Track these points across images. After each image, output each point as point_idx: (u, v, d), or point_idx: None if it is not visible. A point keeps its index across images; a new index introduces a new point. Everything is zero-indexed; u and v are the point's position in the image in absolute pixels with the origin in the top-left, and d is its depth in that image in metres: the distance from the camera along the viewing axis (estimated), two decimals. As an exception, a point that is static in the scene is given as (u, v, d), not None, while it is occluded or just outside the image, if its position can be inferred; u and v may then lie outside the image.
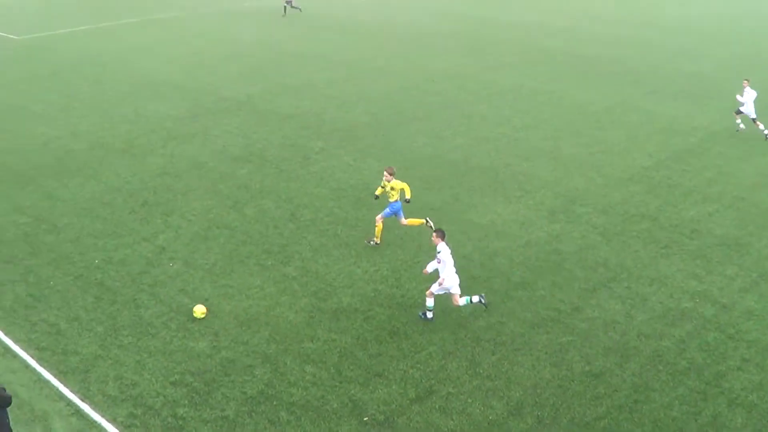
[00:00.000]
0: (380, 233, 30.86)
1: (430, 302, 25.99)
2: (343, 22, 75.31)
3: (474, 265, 29.26)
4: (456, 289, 25.82)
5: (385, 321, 25.95)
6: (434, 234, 25.89)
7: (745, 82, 42.44)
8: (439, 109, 47.75)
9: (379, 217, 30.71)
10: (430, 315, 26.09)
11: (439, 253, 25.46)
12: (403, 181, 30.27)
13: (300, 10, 78.94)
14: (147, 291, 27.64)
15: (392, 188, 30.14)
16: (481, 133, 43.30)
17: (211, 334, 25.21)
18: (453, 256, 25.72)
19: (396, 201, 30.36)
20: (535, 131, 43.64)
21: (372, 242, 30.93)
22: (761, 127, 42.35)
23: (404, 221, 31.14)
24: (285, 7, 78.55)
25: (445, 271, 25.55)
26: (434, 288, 25.85)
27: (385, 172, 30.23)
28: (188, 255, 30.00)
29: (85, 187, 36.36)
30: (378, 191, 30.97)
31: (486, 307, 26.42)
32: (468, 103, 48.87)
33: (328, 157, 39.80)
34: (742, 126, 43.45)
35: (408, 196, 30.31)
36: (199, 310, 26.48)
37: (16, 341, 24.78)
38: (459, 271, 25.92)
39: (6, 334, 25.11)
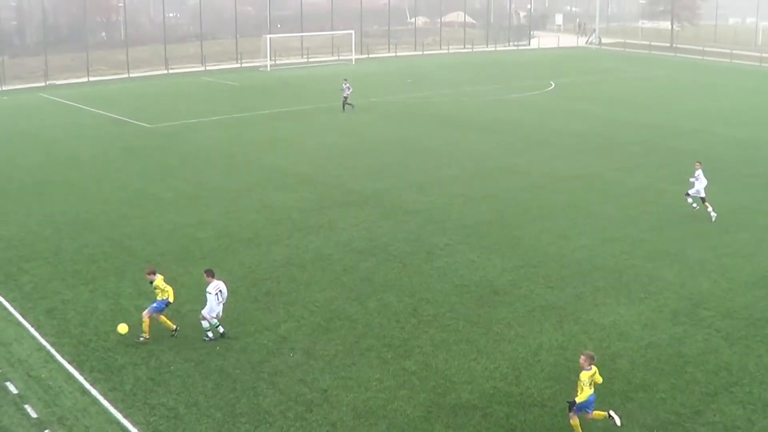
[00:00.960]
0: (148, 328, 30.54)
1: (204, 324, 30.43)
2: (470, 120, 76.03)
3: (595, 366, 28.89)
4: (210, 317, 30.29)
5: (503, 418, 25.67)
6: (205, 274, 30.43)
7: (698, 164, 45.00)
8: (565, 208, 47.60)
9: (145, 312, 30.69)
10: (210, 335, 30.61)
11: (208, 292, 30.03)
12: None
13: (353, 106, 79.65)
14: (266, 380, 27.84)
15: (156, 287, 30.66)
16: (607, 233, 42.98)
17: (328, 425, 25.23)
18: (226, 291, 30.62)
19: (164, 299, 30.56)
20: (660, 232, 43.16)
21: (141, 338, 30.50)
22: (710, 209, 44.75)
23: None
24: (344, 104, 79.51)
25: (210, 303, 30.00)
26: (204, 311, 30.31)
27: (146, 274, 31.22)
28: (309, 345, 30.18)
29: (210, 275, 36.95)
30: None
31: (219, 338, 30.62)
32: (594, 203, 48.65)
33: (452, 253, 39.84)
34: (695, 205, 45.51)
35: (171, 299, 30.87)
36: (122, 329, 29.66)
37: (134, 424, 25.12)
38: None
39: (125, 417, 25.47)
